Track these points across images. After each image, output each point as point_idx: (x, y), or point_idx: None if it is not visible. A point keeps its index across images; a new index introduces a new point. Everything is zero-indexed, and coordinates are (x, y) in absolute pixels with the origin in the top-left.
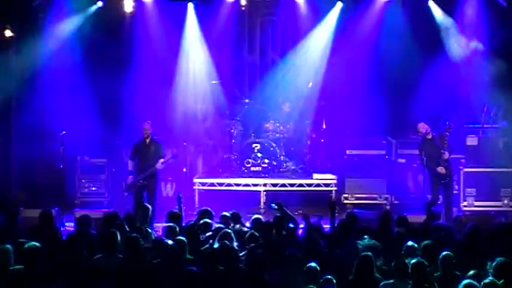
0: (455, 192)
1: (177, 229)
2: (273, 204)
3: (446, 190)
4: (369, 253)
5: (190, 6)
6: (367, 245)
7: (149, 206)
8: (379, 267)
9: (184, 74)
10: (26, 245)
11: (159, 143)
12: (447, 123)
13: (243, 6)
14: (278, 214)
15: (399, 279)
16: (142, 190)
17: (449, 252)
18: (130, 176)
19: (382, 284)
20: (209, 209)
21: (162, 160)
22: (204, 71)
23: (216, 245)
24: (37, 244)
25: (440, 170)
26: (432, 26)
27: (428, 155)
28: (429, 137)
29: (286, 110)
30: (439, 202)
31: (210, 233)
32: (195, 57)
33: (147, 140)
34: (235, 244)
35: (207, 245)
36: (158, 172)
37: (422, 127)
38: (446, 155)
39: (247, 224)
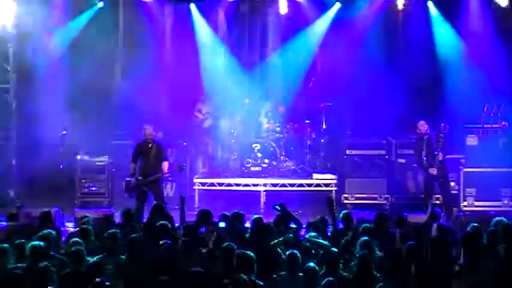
0: (455, 192)
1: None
2: (277, 206)
3: (442, 190)
4: (367, 251)
5: (193, 7)
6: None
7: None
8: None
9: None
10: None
11: (162, 146)
12: (442, 125)
13: (243, 6)
14: (279, 214)
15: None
16: (145, 192)
17: None
18: (131, 178)
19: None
20: (209, 209)
21: (166, 165)
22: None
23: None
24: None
25: (432, 171)
26: (431, 26)
27: (423, 155)
28: (426, 136)
29: (281, 111)
30: (433, 202)
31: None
32: (213, 56)
33: (149, 143)
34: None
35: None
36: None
37: (423, 126)
38: (440, 156)
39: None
